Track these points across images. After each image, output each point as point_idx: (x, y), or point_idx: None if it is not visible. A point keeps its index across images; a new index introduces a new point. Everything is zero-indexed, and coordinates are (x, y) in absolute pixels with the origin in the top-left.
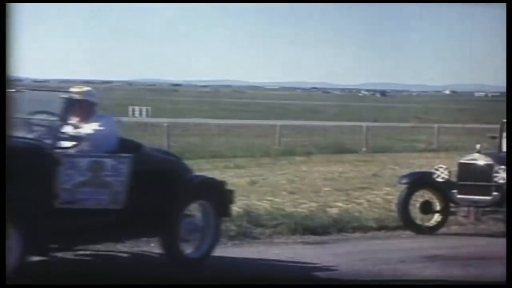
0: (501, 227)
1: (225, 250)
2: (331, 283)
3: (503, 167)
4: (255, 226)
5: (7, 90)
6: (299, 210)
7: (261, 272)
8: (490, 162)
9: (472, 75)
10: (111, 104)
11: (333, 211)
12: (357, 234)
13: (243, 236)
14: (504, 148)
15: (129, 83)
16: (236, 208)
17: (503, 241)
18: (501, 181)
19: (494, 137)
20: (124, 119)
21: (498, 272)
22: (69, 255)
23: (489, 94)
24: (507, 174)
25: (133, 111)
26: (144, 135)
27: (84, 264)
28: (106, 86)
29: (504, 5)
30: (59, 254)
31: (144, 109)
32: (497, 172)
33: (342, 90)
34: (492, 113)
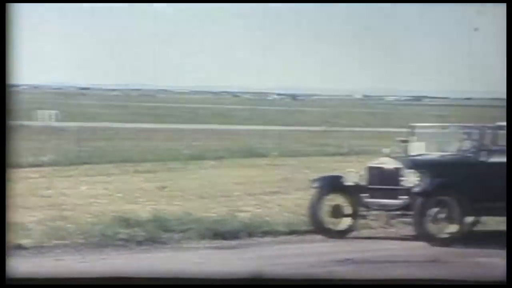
0: (410, 230)
1: (132, 256)
2: (331, 283)
3: (411, 170)
4: (164, 231)
5: (7, 89)
6: (208, 215)
7: None
8: (399, 166)
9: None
10: (18, 108)
11: (244, 215)
12: (267, 239)
13: (151, 241)
14: (413, 152)
15: (35, 87)
16: (144, 213)
17: (411, 244)
18: (409, 185)
19: (404, 141)
20: (32, 123)
21: (411, 274)
22: None
23: (402, 98)
24: (507, 174)
25: (41, 115)
26: (52, 140)
27: None
28: (12, 89)
29: (504, 5)
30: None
31: (52, 113)
32: (405, 176)
33: (253, 94)
34: (403, 117)
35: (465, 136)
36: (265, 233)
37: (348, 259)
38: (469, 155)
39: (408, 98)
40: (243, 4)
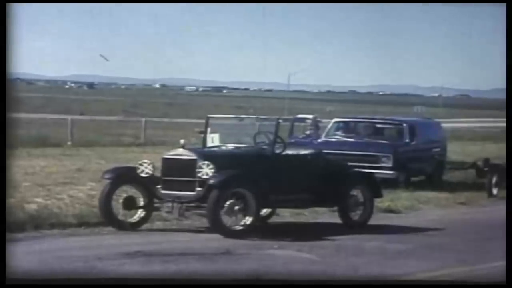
0: (205, 222)
1: None
2: (332, 283)
3: (206, 162)
4: None
5: (7, 88)
6: None
7: None
8: (194, 157)
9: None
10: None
11: (32, 207)
12: (55, 231)
13: None
14: (209, 143)
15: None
16: None
17: (205, 237)
18: (205, 177)
19: (201, 132)
20: None
21: (203, 267)
22: None
23: (200, 89)
24: (507, 174)
25: None
26: None
27: None
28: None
29: (504, 5)
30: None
31: None
32: (200, 168)
33: (47, 81)
34: (202, 108)
35: (261, 128)
36: (53, 225)
37: (138, 252)
38: (264, 147)
39: (208, 88)
40: None
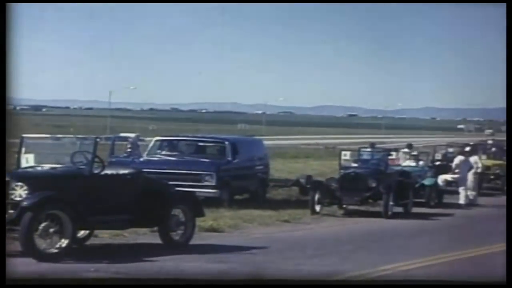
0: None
1: None
2: (331, 283)
3: (20, 183)
4: None
5: (7, 88)
6: None
7: None
8: (7, 178)
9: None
10: None
11: None
12: None
13: None
14: (24, 164)
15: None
16: None
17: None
18: (18, 199)
19: (17, 153)
20: None
21: None
22: None
23: (17, 107)
24: (507, 174)
25: None
26: None
27: None
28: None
29: (504, 5)
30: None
31: None
32: (13, 189)
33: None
34: (20, 127)
35: (80, 148)
36: None
37: None
38: (82, 167)
39: (25, 107)
40: None
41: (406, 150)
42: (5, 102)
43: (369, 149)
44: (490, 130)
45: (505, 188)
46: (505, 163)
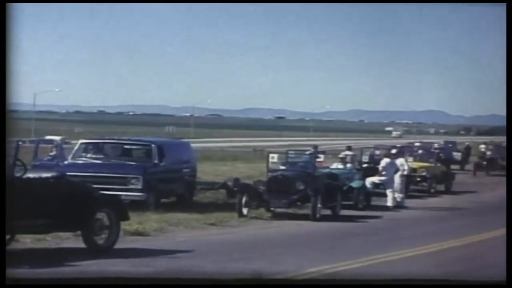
0: None
1: None
2: (331, 283)
3: None
4: None
5: (7, 88)
6: None
7: None
8: None
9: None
10: None
11: None
12: None
13: None
14: None
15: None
16: None
17: None
18: None
19: None
20: None
21: None
22: None
23: None
24: (507, 174)
25: None
26: None
27: None
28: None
29: (504, 5)
30: None
31: None
32: None
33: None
34: None
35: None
36: None
37: None
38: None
39: None
40: None
41: (347, 152)
42: (5, 102)
43: (311, 151)
44: (398, 132)
45: (432, 190)
46: (432, 165)
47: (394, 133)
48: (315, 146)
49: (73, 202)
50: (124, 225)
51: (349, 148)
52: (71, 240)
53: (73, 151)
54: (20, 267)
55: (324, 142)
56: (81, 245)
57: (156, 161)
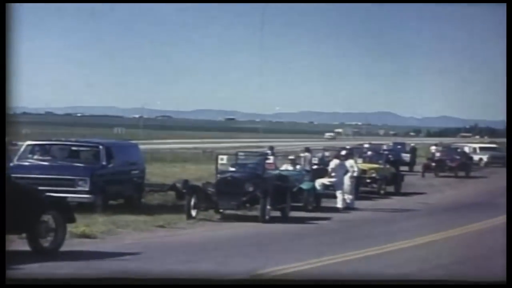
0: None
1: None
2: (331, 283)
3: None
4: None
5: (7, 88)
6: None
7: None
8: None
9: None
10: None
11: None
12: None
13: None
14: None
15: None
16: None
17: None
18: None
19: None
20: None
21: None
22: None
23: None
24: (507, 174)
25: None
26: None
27: None
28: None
29: (504, 5)
30: None
31: None
32: None
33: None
34: None
35: None
36: None
37: None
38: None
39: None
40: None
41: (306, 153)
42: (4, 101)
43: (269, 152)
44: (331, 134)
45: (381, 191)
46: (381, 166)
47: (327, 135)
48: (271, 147)
49: (18, 204)
50: (70, 227)
51: (307, 149)
52: (16, 243)
53: (19, 153)
54: None
55: (274, 144)
56: (26, 247)
57: (104, 163)
